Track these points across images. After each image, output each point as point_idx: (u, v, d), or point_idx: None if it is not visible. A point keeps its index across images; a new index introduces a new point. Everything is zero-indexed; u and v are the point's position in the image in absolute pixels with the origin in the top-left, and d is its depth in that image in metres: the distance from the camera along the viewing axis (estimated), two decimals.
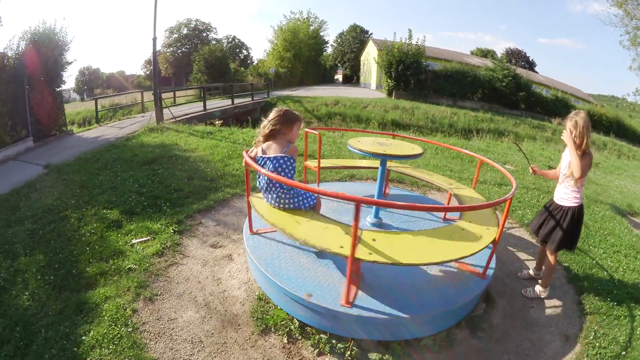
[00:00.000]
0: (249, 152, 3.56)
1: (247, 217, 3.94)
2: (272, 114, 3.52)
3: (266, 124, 3.53)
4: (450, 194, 4.87)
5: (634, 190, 9.96)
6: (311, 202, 3.56)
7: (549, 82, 38.02)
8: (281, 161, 3.42)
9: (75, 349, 2.81)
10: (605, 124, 30.48)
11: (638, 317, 3.90)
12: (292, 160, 3.51)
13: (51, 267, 3.78)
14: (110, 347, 2.84)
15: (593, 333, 3.56)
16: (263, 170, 3.22)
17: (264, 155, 3.46)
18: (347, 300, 2.97)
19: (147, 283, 3.62)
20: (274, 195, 3.48)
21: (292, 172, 3.50)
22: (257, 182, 3.62)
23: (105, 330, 2.98)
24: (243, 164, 3.53)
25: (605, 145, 23.85)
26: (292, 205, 3.50)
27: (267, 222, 3.34)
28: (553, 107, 29.42)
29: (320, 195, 3.59)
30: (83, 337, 2.91)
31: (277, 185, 3.45)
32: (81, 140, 11.16)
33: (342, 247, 2.87)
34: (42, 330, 2.97)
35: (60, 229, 4.55)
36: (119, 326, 3.05)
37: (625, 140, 30.02)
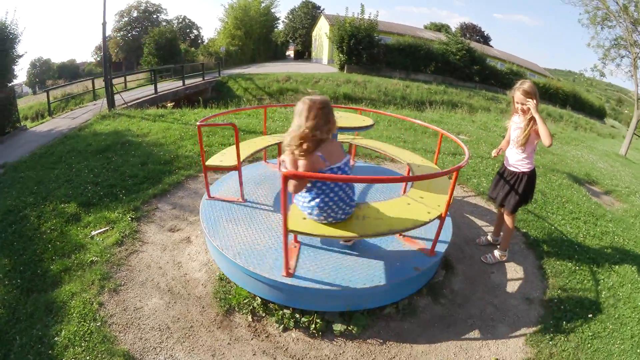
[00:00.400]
0: (280, 160, 3.07)
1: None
2: (312, 110, 2.74)
3: (309, 124, 2.72)
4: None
5: (592, 160, 10.35)
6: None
7: (504, 56, 38.94)
8: (349, 165, 3.04)
9: (50, 351, 2.75)
10: (562, 97, 31.57)
11: (602, 280, 4.07)
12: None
13: (17, 270, 3.64)
14: (83, 344, 2.79)
15: (556, 296, 3.68)
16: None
17: (332, 166, 2.85)
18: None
19: (110, 274, 3.53)
20: (347, 208, 3.02)
21: None
22: (315, 201, 2.92)
23: (75, 328, 2.91)
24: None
25: (561, 117, 24.71)
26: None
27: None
28: (508, 80, 30.12)
29: None
30: (56, 338, 2.84)
31: (352, 193, 3.04)
32: (35, 135, 10.74)
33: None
34: (17, 338, 2.88)
35: (21, 229, 4.38)
36: (88, 322, 2.98)
37: (583, 114, 31.22)
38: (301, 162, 2.75)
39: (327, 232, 2.90)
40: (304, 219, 3.02)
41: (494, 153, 4.10)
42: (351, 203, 3.03)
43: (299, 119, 2.76)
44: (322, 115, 2.75)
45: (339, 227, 2.95)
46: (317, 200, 2.88)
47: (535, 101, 3.45)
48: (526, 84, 3.53)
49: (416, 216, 3.13)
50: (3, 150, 9.33)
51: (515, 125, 3.70)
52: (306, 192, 2.93)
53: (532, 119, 3.46)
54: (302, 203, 3.00)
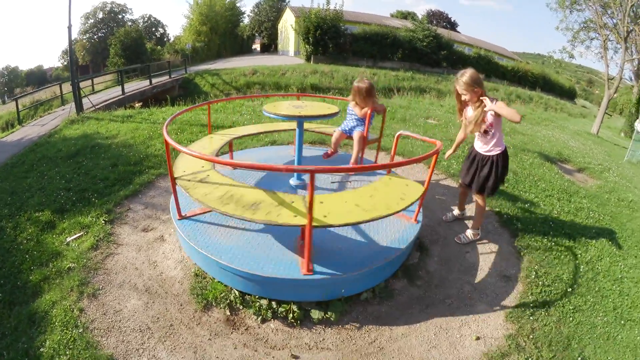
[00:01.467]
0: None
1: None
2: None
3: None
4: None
5: (563, 139, 10.54)
6: None
7: (471, 42, 39.36)
8: None
9: None
10: (531, 80, 32.14)
11: (579, 255, 4.17)
12: None
13: None
14: (67, 352, 2.76)
15: (534, 273, 3.76)
16: None
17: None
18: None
19: (88, 279, 3.48)
20: None
21: None
22: None
23: (59, 337, 2.88)
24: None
25: (531, 98, 25.15)
26: None
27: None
28: (476, 64, 30.25)
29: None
30: (41, 349, 2.81)
31: None
32: (6, 145, 10.43)
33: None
34: (4, 353, 2.83)
35: None
36: (70, 329, 2.95)
37: (553, 95, 31.82)
38: None
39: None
40: None
41: (446, 156, 4.28)
42: None
43: None
44: None
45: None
46: None
47: (480, 91, 3.53)
48: (465, 76, 3.55)
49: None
50: None
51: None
52: None
53: (483, 106, 3.54)
54: None
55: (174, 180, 3.43)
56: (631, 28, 15.00)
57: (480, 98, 3.54)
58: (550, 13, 39.64)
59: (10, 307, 3.30)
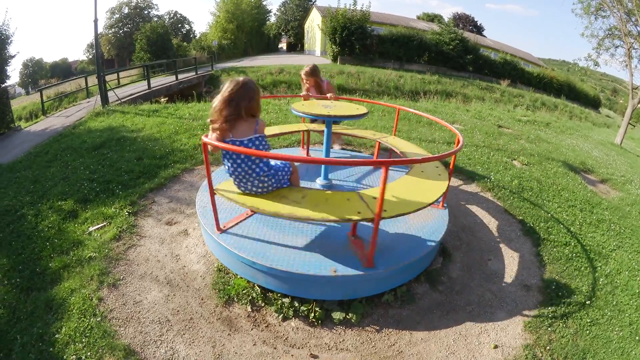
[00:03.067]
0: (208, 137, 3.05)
1: (213, 215, 3.42)
2: (227, 87, 2.98)
3: (223, 102, 2.96)
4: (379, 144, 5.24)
5: (587, 149, 10.35)
6: (287, 176, 3.34)
7: (497, 46, 38.91)
8: (257, 142, 3.07)
9: (51, 349, 2.75)
10: (556, 87, 31.59)
11: (599, 267, 4.10)
12: (266, 139, 3.16)
13: (16, 270, 3.63)
14: (83, 340, 2.79)
15: (554, 283, 3.70)
16: (242, 150, 2.83)
17: (234, 139, 2.99)
18: (370, 262, 3.04)
19: (109, 269, 3.53)
20: (256, 182, 3.11)
21: (268, 150, 3.20)
22: (228, 171, 3.18)
23: (75, 324, 2.91)
24: (211, 150, 3.15)
25: (556, 106, 24.71)
26: (275, 186, 3.21)
27: (257, 210, 3.04)
28: (501, 69, 30.30)
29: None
30: (56, 335, 2.84)
31: (258, 169, 3.08)
32: (30, 135, 10.69)
33: (359, 212, 2.89)
34: (18, 337, 2.87)
35: (19, 228, 4.37)
36: (88, 317, 2.98)
37: (577, 103, 31.26)
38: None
39: (247, 202, 3.11)
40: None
41: None
42: (260, 178, 3.13)
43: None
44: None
45: (267, 198, 3.12)
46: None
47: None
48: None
49: (345, 213, 2.93)
50: None
51: None
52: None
53: None
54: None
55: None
56: None
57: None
58: (576, 19, 39.05)
59: (28, 292, 3.36)
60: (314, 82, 5.77)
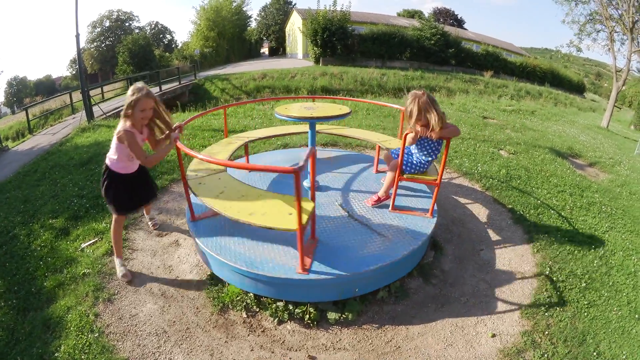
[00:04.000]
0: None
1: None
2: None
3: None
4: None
5: (573, 134, 10.47)
6: None
7: (479, 38, 39.05)
8: None
9: None
10: (540, 75, 31.85)
11: (593, 249, 4.14)
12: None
13: (11, 291, 3.59)
14: (82, 357, 2.78)
15: (548, 268, 3.74)
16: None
17: None
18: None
19: (103, 284, 3.52)
20: None
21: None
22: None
23: (74, 342, 2.90)
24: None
25: (540, 94, 24.93)
26: None
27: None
28: (484, 61, 30.40)
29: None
30: (56, 354, 2.82)
31: None
32: (18, 154, 10.58)
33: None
34: (18, 358, 2.85)
35: (12, 249, 4.32)
36: (86, 334, 2.97)
37: (562, 89, 31.53)
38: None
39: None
40: None
41: None
42: None
43: None
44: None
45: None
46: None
47: None
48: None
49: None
50: None
51: None
52: None
53: None
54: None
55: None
56: (637, 19, 14.88)
57: None
58: (556, 7, 39.38)
59: (25, 313, 3.32)
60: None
